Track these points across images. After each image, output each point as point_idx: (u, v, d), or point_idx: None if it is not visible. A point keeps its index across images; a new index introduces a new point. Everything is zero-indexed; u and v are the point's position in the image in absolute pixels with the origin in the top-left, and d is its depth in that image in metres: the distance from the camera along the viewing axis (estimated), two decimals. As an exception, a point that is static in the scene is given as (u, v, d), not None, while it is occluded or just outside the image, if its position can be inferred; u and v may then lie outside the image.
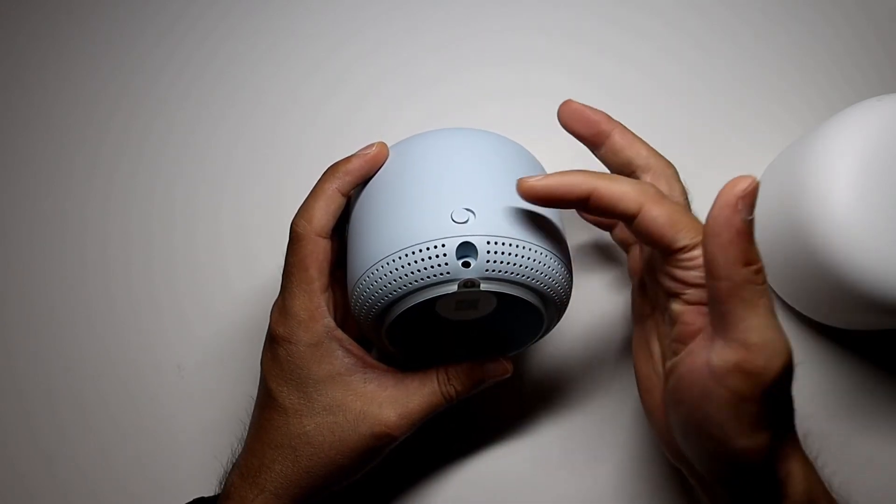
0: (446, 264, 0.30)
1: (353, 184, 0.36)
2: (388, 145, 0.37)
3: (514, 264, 0.31)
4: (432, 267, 0.30)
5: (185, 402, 0.46)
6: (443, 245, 0.30)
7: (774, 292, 0.46)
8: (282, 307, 0.36)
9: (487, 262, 0.31)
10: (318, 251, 0.36)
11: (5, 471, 0.45)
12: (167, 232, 0.48)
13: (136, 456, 0.45)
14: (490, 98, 0.49)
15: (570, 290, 0.35)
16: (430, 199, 0.32)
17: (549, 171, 0.38)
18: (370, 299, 0.33)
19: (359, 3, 0.51)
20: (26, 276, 0.48)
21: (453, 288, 0.31)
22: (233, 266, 0.47)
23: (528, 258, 0.31)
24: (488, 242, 0.31)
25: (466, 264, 0.31)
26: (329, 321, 0.36)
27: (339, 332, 0.36)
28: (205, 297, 0.47)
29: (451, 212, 0.31)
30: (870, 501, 0.44)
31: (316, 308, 0.36)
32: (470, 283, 0.31)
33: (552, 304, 0.34)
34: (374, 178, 0.36)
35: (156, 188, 0.49)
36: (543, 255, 0.32)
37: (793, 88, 0.50)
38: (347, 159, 0.36)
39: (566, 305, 0.36)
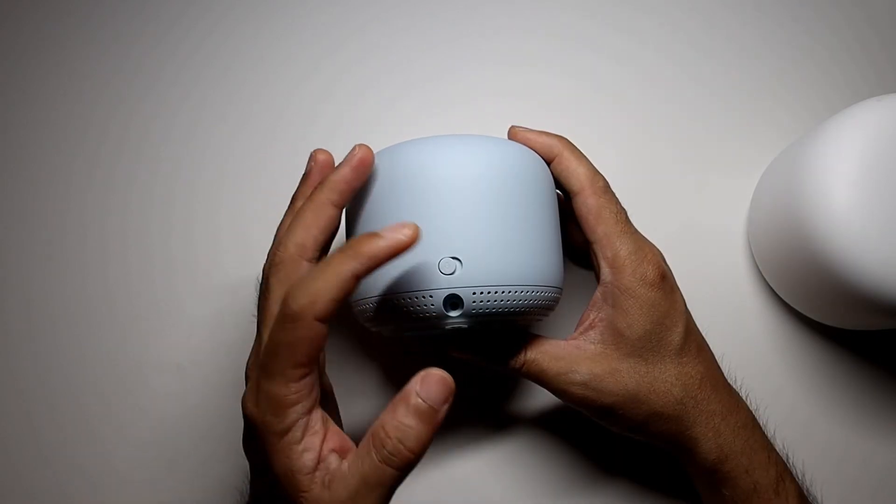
0: (435, 313, 0.33)
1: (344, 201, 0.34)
2: (389, 146, 0.36)
3: (500, 307, 0.34)
4: (423, 313, 0.33)
5: (185, 402, 0.46)
6: (431, 296, 0.33)
7: (775, 292, 0.46)
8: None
9: (473, 309, 0.33)
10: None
11: (5, 471, 0.45)
12: (167, 232, 0.48)
13: (135, 456, 0.45)
14: (488, 97, 0.49)
15: (561, 291, 0.37)
16: (421, 244, 0.32)
17: (548, 170, 0.38)
18: (367, 320, 0.36)
19: (357, 3, 0.51)
20: (26, 276, 0.48)
21: (441, 326, 0.34)
22: (233, 266, 0.47)
23: (513, 299, 0.34)
24: (473, 293, 0.33)
25: (455, 306, 0.33)
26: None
27: None
28: (205, 297, 0.47)
29: (440, 261, 0.33)
30: (870, 501, 0.44)
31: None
32: (457, 324, 0.34)
33: (542, 314, 0.37)
34: (372, 188, 0.35)
35: (155, 188, 0.49)
36: (528, 291, 0.34)
37: (792, 89, 0.50)
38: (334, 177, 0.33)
39: (558, 301, 0.37)
